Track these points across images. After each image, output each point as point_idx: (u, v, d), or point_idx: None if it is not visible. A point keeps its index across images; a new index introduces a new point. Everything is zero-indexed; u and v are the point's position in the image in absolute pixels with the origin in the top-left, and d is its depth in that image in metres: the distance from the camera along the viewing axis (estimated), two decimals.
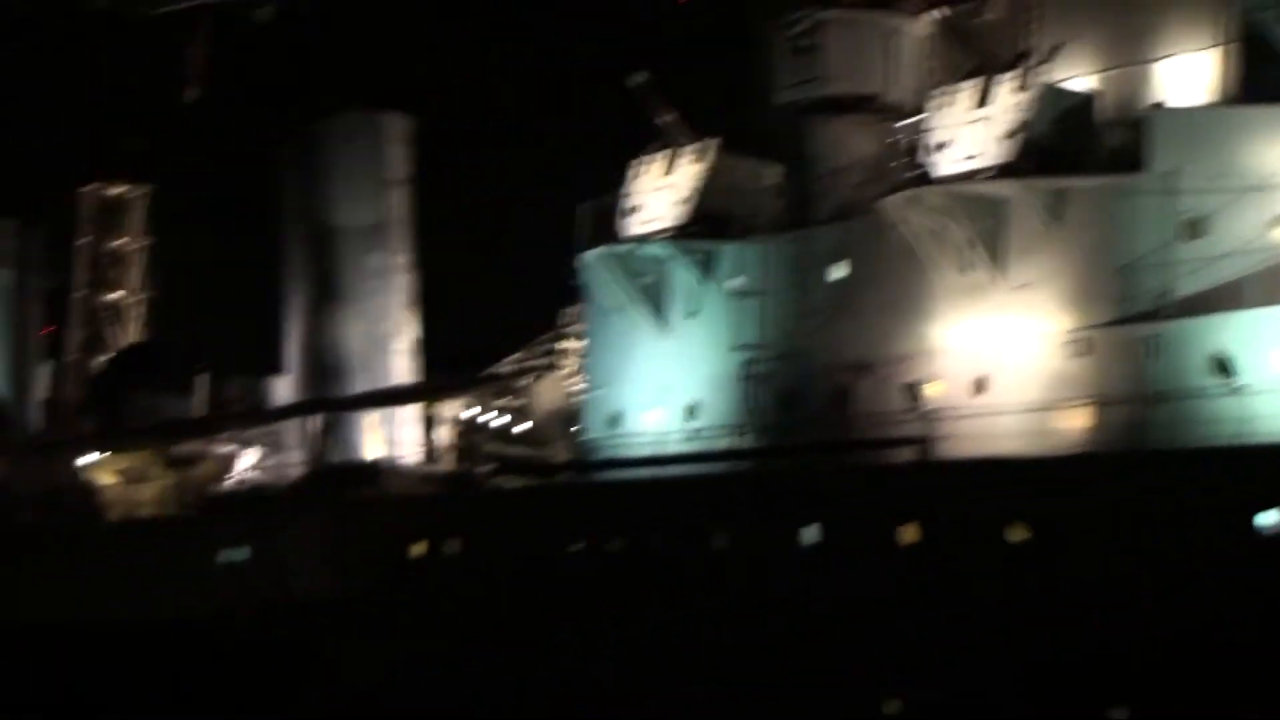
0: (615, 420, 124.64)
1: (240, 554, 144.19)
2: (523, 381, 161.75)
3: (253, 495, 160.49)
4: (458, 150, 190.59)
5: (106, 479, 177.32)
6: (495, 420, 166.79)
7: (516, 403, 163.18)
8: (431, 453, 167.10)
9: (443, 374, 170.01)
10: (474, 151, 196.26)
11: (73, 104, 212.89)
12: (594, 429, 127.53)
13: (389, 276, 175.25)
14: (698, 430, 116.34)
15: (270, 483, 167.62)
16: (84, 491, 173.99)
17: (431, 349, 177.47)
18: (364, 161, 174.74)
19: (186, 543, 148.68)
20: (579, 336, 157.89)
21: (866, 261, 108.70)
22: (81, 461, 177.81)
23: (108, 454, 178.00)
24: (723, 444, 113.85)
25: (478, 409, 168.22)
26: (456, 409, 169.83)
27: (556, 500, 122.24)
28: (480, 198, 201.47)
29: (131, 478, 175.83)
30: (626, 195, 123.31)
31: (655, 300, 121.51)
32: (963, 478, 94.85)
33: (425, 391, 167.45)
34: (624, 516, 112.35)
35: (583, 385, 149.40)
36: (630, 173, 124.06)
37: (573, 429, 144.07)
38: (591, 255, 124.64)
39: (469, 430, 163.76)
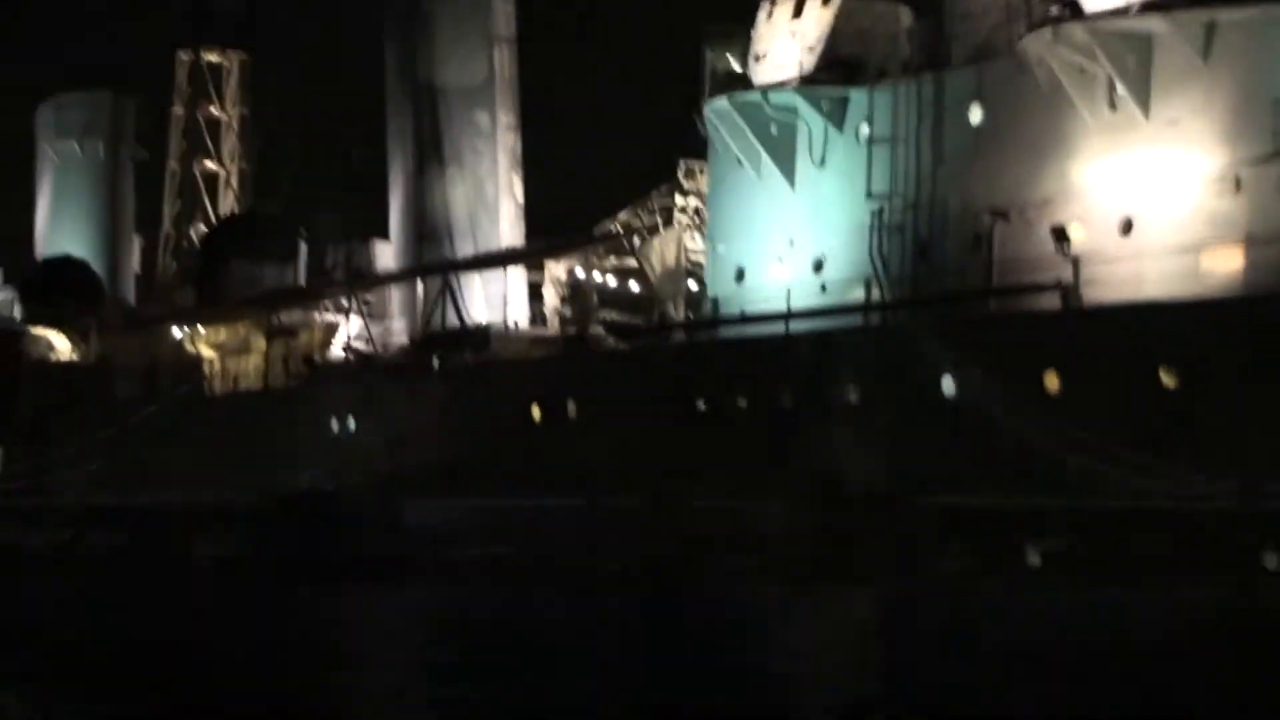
0: (739, 276, 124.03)
1: (351, 424, 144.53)
2: (635, 240, 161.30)
3: (360, 364, 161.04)
4: (563, 5, 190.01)
5: (207, 352, 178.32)
6: (607, 281, 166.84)
7: (629, 262, 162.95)
8: (541, 316, 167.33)
9: (550, 235, 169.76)
10: (579, 5, 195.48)
11: None
12: (717, 285, 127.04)
13: (494, 137, 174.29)
14: (826, 284, 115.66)
15: (376, 351, 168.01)
16: (185, 365, 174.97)
17: (538, 211, 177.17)
18: (469, 19, 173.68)
19: (295, 414, 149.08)
20: (696, 192, 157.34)
21: (1005, 104, 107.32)
22: (181, 334, 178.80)
23: (208, 326, 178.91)
24: (853, 297, 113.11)
25: (588, 269, 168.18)
26: (565, 270, 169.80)
27: (679, 359, 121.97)
28: (587, 55, 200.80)
29: (233, 349, 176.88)
30: (752, 42, 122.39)
31: (782, 151, 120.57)
32: (1109, 324, 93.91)
33: (533, 253, 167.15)
34: (752, 374, 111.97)
35: (703, 241, 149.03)
36: (756, 18, 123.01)
37: (692, 286, 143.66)
38: (715, 106, 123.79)
39: (579, 291, 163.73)
